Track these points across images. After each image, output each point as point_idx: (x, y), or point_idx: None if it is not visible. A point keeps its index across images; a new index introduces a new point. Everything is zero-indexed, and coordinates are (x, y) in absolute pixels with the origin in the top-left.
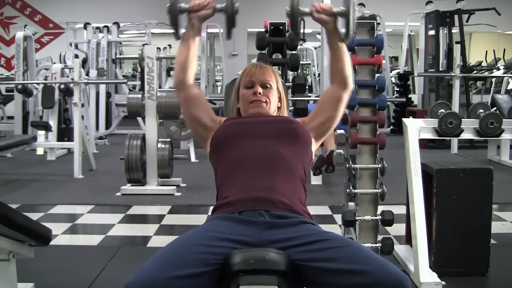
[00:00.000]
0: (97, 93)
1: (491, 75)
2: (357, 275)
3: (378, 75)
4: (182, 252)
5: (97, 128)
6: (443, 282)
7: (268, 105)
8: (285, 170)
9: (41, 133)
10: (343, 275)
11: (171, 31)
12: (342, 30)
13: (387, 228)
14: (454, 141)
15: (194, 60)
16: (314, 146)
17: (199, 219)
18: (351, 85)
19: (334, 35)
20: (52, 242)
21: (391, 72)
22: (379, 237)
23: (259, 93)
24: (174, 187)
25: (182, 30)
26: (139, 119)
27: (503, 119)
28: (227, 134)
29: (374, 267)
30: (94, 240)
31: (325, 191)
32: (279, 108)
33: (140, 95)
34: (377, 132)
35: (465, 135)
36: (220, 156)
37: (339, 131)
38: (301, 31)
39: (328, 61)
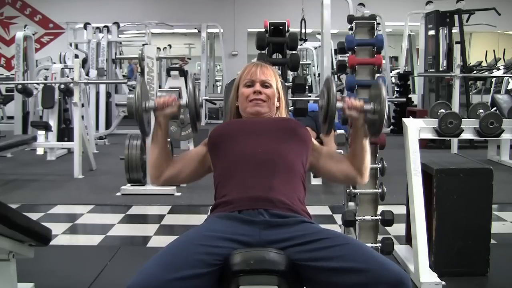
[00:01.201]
0: (97, 93)
1: (491, 75)
2: (357, 274)
3: (378, 75)
4: (183, 252)
5: (97, 128)
6: (443, 282)
7: (267, 104)
8: (284, 167)
9: (41, 133)
10: (342, 273)
11: (172, 30)
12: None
13: (387, 228)
14: (454, 141)
15: (167, 156)
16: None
17: (199, 219)
18: (366, 179)
19: (360, 131)
20: (52, 242)
21: (391, 72)
22: (379, 237)
23: (259, 92)
24: (174, 187)
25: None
26: None
27: (503, 119)
28: (225, 132)
29: (374, 265)
30: (94, 240)
31: (325, 191)
32: (278, 108)
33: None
34: None
35: (465, 135)
36: (218, 154)
37: (339, 131)
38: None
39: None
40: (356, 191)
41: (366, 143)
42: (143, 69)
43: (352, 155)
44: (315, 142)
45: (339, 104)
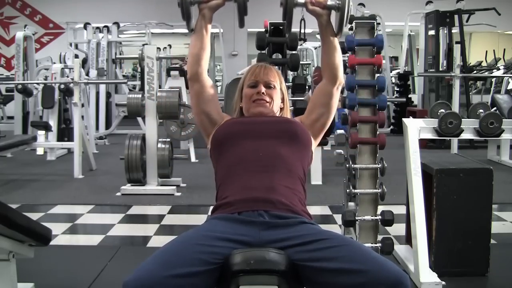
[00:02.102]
0: (97, 93)
1: (491, 75)
2: (356, 274)
3: (378, 75)
4: (181, 251)
5: (97, 128)
6: (443, 282)
7: (271, 105)
8: (285, 170)
9: (41, 133)
10: (342, 274)
11: (172, 30)
12: (335, 24)
13: (387, 228)
14: (454, 141)
15: (208, 51)
16: (314, 144)
17: (199, 219)
18: (341, 79)
19: (326, 28)
20: (52, 242)
21: (391, 72)
22: (379, 237)
23: (262, 92)
24: (174, 187)
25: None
26: (139, 119)
27: (503, 119)
28: (228, 133)
29: (373, 266)
30: (94, 240)
31: (325, 191)
32: (281, 109)
33: (140, 95)
34: (377, 132)
35: (465, 135)
36: (220, 155)
37: (339, 131)
38: (302, 31)
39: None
40: (356, 191)
41: (335, 41)
42: (143, 69)
43: (326, 54)
44: (301, 117)
45: (300, 0)
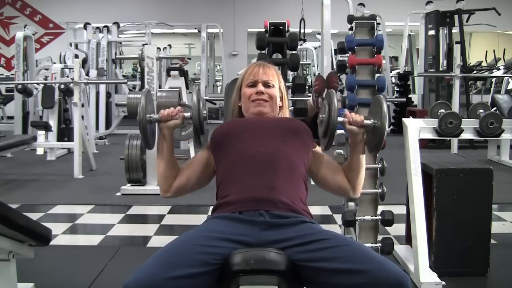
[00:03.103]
0: (97, 93)
1: (491, 75)
2: (356, 274)
3: (378, 75)
4: (181, 252)
5: (97, 128)
6: (443, 282)
7: (270, 104)
8: (286, 167)
9: (41, 133)
10: (342, 274)
11: (172, 30)
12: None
13: (387, 228)
14: (454, 141)
15: (174, 168)
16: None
17: (199, 219)
18: (358, 194)
19: (358, 146)
20: (52, 242)
21: (391, 72)
22: (379, 237)
23: (261, 92)
24: None
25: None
26: None
27: (503, 119)
28: (228, 132)
29: (373, 266)
30: (94, 240)
31: (325, 191)
32: (280, 108)
33: (140, 95)
34: None
35: (465, 135)
36: (220, 154)
37: (339, 131)
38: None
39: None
40: None
41: (363, 159)
42: (143, 69)
43: (348, 168)
44: (317, 148)
45: (340, 119)
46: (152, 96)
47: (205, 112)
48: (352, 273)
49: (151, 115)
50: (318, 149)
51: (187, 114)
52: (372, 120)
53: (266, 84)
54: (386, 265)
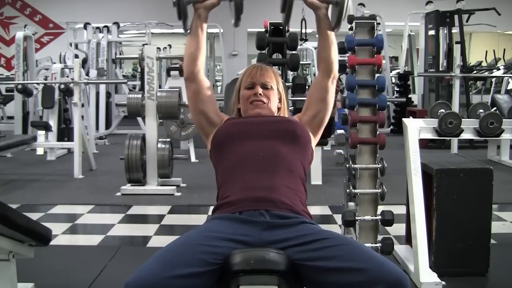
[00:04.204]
0: (97, 93)
1: (491, 75)
2: (355, 274)
3: (378, 75)
4: (182, 251)
5: (97, 128)
6: (443, 282)
7: (268, 105)
8: (286, 170)
9: (41, 133)
10: (342, 273)
11: (172, 30)
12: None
13: (387, 228)
14: (454, 141)
15: (203, 51)
16: (313, 141)
17: (199, 219)
18: (336, 73)
19: (324, 22)
20: (52, 242)
21: (391, 72)
22: (379, 237)
23: (260, 94)
24: (174, 187)
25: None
26: (139, 119)
27: (503, 119)
28: (228, 134)
29: (373, 265)
30: (94, 240)
31: (325, 191)
32: (279, 109)
33: (140, 95)
34: (377, 132)
35: (465, 135)
36: (221, 156)
37: (339, 131)
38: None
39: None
40: (356, 191)
41: (332, 35)
42: (143, 69)
43: (322, 48)
44: (299, 115)
45: None
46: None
47: None
48: (352, 272)
49: None
50: (300, 114)
51: None
52: None
53: (264, 86)
54: (386, 264)
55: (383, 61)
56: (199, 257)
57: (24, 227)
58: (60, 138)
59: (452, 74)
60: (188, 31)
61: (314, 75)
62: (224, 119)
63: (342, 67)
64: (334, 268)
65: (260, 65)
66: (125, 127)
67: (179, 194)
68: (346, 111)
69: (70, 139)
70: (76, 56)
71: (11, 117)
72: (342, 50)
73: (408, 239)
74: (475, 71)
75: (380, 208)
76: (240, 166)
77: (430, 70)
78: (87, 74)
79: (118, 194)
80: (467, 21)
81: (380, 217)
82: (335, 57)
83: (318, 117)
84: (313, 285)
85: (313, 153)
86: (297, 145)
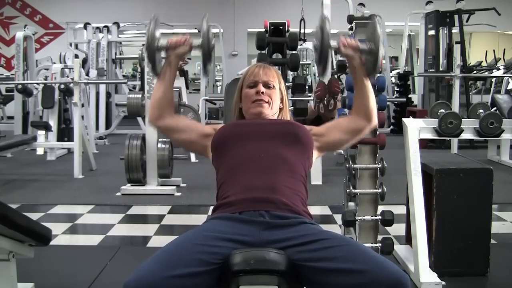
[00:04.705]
0: (97, 93)
1: (491, 75)
2: (355, 274)
3: (378, 75)
4: (181, 251)
5: (97, 128)
6: (443, 282)
7: (270, 105)
8: (286, 170)
9: (41, 133)
10: (342, 274)
11: (172, 30)
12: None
13: (387, 228)
14: (454, 141)
15: (171, 97)
16: (315, 154)
17: (199, 219)
18: (374, 121)
19: (359, 70)
20: (52, 242)
21: (391, 72)
22: (379, 237)
23: (262, 92)
24: (174, 187)
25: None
26: (139, 119)
27: (503, 119)
28: (229, 134)
29: (373, 266)
30: (94, 240)
31: (325, 191)
32: (281, 109)
33: (140, 95)
34: (377, 132)
35: (465, 135)
36: (221, 156)
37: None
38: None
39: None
40: (356, 191)
41: (368, 83)
42: (143, 69)
43: (359, 96)
44: (315, 128)
45: (333, 43)
46: (160, 24)
47: (213, 40)
48: (352, 273)
49: (159, 42)
50: (315, 128)
51: (196, 42)
52: (366, 43)
53: (267, 85)
54: (386, 265)
55: (383, 61)
56: (198, 257)
57: (24, 227)
58: (60, 138)
59: (452, 74)
60: (157, 76)
61: (314, 75)
62: (218, 127)
63: (342, 67)
64: (334, 269)
65: (262, 64)
66: (125, 127)
67: (179, 194)
68: (346, 111)
69: (70, 139)
70: (76, 56)
71: (11, 117)
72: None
73: (408, 239)
74: (475, 71)
75: (380, 208)
76: (240, 166)
77: (430, 70)
78: (87, 74)
79: (118, 194)
80: (467, 21)
81: (380, 217)
82: (374, 104)
83: (335, 145)
84: (313, 286)
85: (312, 158)
86: (298, 146)
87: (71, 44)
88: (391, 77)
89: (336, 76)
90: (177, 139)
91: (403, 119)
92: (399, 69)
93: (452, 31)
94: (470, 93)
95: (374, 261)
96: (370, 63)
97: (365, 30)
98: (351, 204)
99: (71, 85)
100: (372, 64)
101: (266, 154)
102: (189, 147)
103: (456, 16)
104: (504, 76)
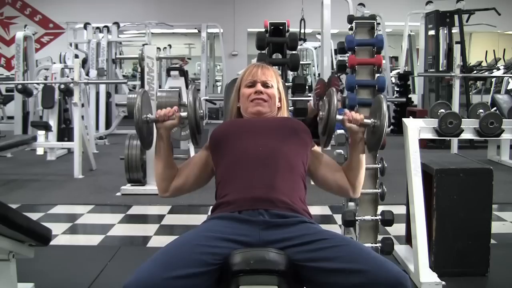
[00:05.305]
0: (97, 93)
1: (491, 75)
2: (355, 274)
3: (378, 75)
4: (181, 252)
5: (97, 128)
6: (443, 282)
7: (269, 104)
8: (285, 166)
9: (41, 133)
10: (341, 274)
11: (172, 30)
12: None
13: (387, 228)
14: (454, 141)
15: (172, 168)
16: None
17: (199, 219)
18: (358, 194)
19: (358, 145)
20: (52, 242)
21: (391, 72)
22: (379, 237)
23: (260, 92)
24: None
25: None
26: None
27: (503, 119)
28: (227, 131)
29: (373, 266)
30: (94, 240)
31: (325, 191)
32: (279, 109)
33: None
34: None
35: (465, 135)
36: (220, 154)
37: (339, 131)
38: (302, 31)
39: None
40: None
41: (363, 158)
42: (143, 69)
43: (348, 167)
44: (316, 148)
45: (339, 117)
46: (149, 97)
47: (201, 111)
48: (351, 273)
49: (148, 116)
50: (318, 149)
51: (184, 114)
52: (371, 119)
53: (265, 84)
54: (385, 265)
55: (383, 61)
56: (198, 258)
57: (24, 227)
58: (60, 138)
59: (452, 74)
60: (148, 148)
61: (314, 75)
62: (208, 144)
63: (342, 67)
64: (334, 269)
65: (260, 64)
66: (125, 127)
67: None
68: (346, 111)
69: (70, 139)
70: (76, 56)
71: (11, 117)
72: (342, 50)
73: (408, 239)
74: (475, 71)
75: (380, 208)
76: (239, 163)
77: (430, 70)
78: (87, 74)
79: (118, 194)
80: (467, 21)
81: (380, 217)
82: (362, 179)
83: (317, 177)
84: (313, 286)
85: (309, 155)
86: (297, 142)
87: (71, 44)
88: (391, 77)
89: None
90: (189, 189)
91: (403, 119)
92: (399, 69)
93: (452, 31)
94: (470, 93)
95: (374, 261)
96: (373, 139)
97: (372, 106)
98: (351, 204)
99: (71, 85)
100: (375, 140)
101: (264, 149)
102: (203, 182)
103: (456, 16)
104: (504, 76)
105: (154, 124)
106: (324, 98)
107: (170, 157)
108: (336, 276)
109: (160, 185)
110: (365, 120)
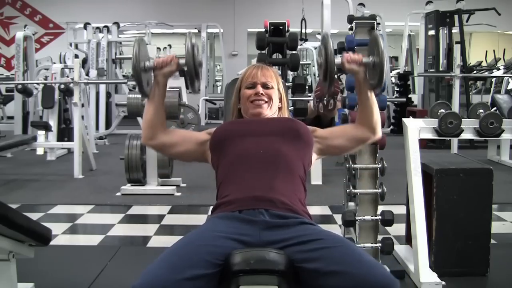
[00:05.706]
0: (97, 93)
1: (491, 75)
2: (344, 276)
3: None
4: (188, 253)
5: (97, 128)
6: (443, 282)
7: (269, 105)
8: (286, 168)
9: (41, 133)
10: (331, 276)
11: (172, 30)
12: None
13: (387, 228)
14: (454, 141)
15: (162, 116)
16: (315, 156)
17: (199, 219)
18: (379, 133)
19: (363, 84)
20: (52, 242)
21: (391, 72)
22: (379, 237)
23: (261, 93)
24: (174, 187)
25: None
26: (139, 119)
27: (503, 119)
28: (227, 132)
29: (363, 270)
30: (94, 240)
31: (325, 191)
32: (280, 109)
33: (140, 95)
34: None
35: (465, 135)
36: (220, 154)
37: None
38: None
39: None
40: (356, 191)
41: (372, 96)
42: None
43: (362, 111)
44: (318, 130)
45: (337, 60)
46: (146, 45)
47: (200, 57)
48: (341, 274)
49: (146, 63)
50: (319, 130)
51: (182, 61)
52: (370, 57)
53: (265, 85)
54: (376, 269)
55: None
56: (204, 258)
57: (24, 227)
58: (60, 138)
59: (452, 74)
60: (146, 97)
61: (314, 75)
62: (213, 131)
63: None
64: (325, 270)
65: (260, 65)
66: (125, 127)
67: (179, 194)
68: (346, 111)
69: (70, 139)
70: (76, 56)
71: (11, 117)
72: (342, 50)
73: (408, 239)
74: (475, 71)
75: (380, 208)
76: (240, 164)
77: (430, 70)
78: (87, 74)
79: (118, 194)
80: (467, 21)
81: (380, 217)
82: (379, 117)
83: (336, 150)
84: (308, 286)
85: (311, 157)
86: (298, 144)
87: (71, 44)
88: (391, 77)
89: (336, 76)
90: (174, 153)
91: (403, 119)
92: (399, 69)
93: (452, 31)
94: (470, 93)
95: (365, 265)
96: (375, 76)
97: (369, 46)
98: (351, 204)
99: (71, 85)
100: (377, 77)
101: (265, 151)
102: (187, 158)
103: (456, 16)
104: (504, 76)
105: (152, 71)
106: (320, 44)
107: (162, 105)
108: (326, 277)
109: (146, 131)
110: (364, 59)
